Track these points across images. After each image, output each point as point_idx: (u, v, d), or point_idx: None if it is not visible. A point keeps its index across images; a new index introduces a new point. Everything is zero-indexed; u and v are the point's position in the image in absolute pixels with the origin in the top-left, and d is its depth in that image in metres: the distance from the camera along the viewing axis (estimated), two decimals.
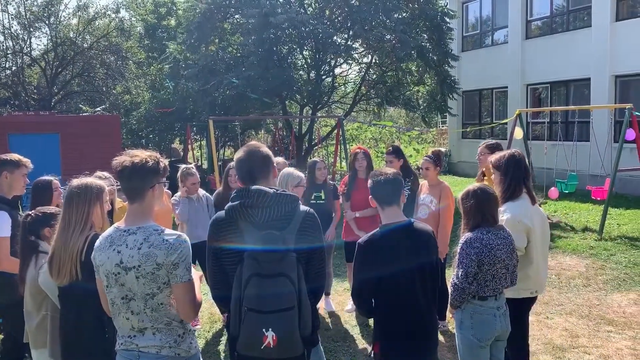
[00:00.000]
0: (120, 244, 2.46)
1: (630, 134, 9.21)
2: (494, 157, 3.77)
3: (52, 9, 24.95)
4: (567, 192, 10.72)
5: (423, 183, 5.49)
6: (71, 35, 25.62)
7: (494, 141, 5.02)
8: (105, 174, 4.58)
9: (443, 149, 20.59)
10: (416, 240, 2.88)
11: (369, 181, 3.07)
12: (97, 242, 2.59)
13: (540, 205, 11.88)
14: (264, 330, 2.30)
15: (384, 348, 2.92)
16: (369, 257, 2.85)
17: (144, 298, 2.45)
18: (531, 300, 3.74)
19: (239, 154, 2.70)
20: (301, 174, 4.63)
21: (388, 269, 2.81)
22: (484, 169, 4.95)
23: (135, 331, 2.52)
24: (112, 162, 2.52)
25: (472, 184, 3.44)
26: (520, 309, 3.51)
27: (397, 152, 5.76)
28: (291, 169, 4.72)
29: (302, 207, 2.58)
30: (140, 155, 2.52)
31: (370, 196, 3.03)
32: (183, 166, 5.83)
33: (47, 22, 25.03)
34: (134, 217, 2.53)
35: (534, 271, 3.58)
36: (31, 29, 25.15)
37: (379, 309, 2.91)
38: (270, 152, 2.73)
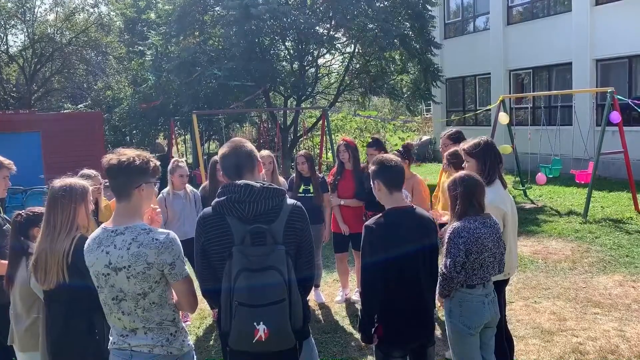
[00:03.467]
0: (109, 244, 2.44)
1: (616, 116, 9.29)
2: (466, 145, 3.77)
3: (27, 4, 24.47)
4: (551, 176, 10.83)
5: None
6: (49, 32, 25.17)
7: (454, 130, 5.00)
8: (92, 171, 4.53)
9: (417, 141, 20.65)
10: (420, 223, 3.03)
11: (373, 167, 3.13)
12: (86, 244, 2.55)
13: (525, 190, 11.93)
14: (255, 324, 2.29)
15: (387, 329, 3.00)
16: (378, 240, 2.93)
17: (135, 298, 2.44)
18: (504, 282, 3.81)
19: (224, 149, 2.69)
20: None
21: (397, 251, 2.92)
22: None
23: (128, 331, 2.51)
24: (102, 160, 2.51)
25: (459, 172, 3.44)
26: (495, 291, 3.53)
27: (377, 144, 5.70)
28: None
29: (289, 200, 2.58)
30: (129, 153, 2.48)
31: (377, 180, 3.09)
32: (174, 158, 5.73)
33: (22, 18, 24.56)
34: (121, 216, 2.50)
35: (507, 254, 3.61)
36: (7, 26, 24.66)
37: (384, 291, 2.97)
38: (254, 148, 2.73)
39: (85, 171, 4.51)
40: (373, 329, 3.03)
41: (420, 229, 3.01)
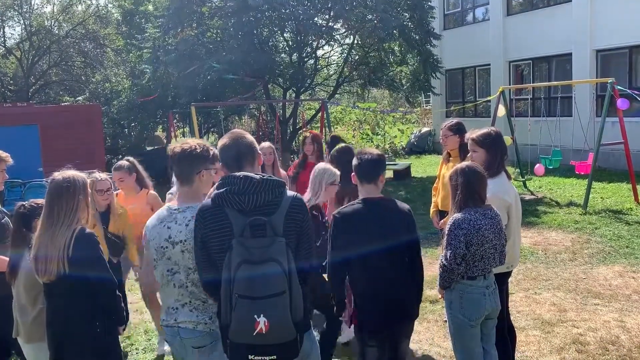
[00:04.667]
0: (170, 220, 2.67)
1: (623, 102, 9.22)
2: (475, 134, 3.74)
3: None
4: (551, 167, 10.81)
5: None
6: (46, 24, 25.02)
7: (455, 121, 4.96)
8: (103, 175, 4.38)
9: (416, 133, 20.54)
10: (392, 215, 3.10)
11: (355, 159, 3.21)
12: (149, 221, 2.75)
13: (525, 181, 11.90)
14: (255, 316, 2.28)
15: (360, 319, 3.12)
16: (344, 228, 3.03)
17: (187, 272, 2.64)
18: (507, 275, 3.79)
19: (224, 140, 2.69)
20: (337, 172, 4.19)
21: (362, 240, 3.01)
22: (449, 150, 4.92)
23: (178, 304, 2.69)
24: (167, 149, 2.82)
25: (461, 163, 3.42)
26: (498, 283, 3.52)
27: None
28: (327, 165, 4.26)
29: (289, 192, 2.56)
30: (190, 143, 2.71)
31: (353, 172, 3.21)
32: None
33: (19, 10, 24.40)
34: (184, 198, 2.74)
35: (510, 246, 3.59)
36: (3, 18, 24.51)
37: (355, 281, 3.09)
38: (254, 139, 2.72)
39: (97, 175, 4.36)
40: (348, 313, 3.19)
41: (391, 221, 3.07)
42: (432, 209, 5.19)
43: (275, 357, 2.42)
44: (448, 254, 3.17)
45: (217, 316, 2.52)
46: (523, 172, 11.77)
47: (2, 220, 3.64)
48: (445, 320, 3.86)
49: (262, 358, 2.40)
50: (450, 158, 4.89)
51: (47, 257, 2.79)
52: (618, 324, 4.84)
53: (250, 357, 2.40)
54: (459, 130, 4.75)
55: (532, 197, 10.81)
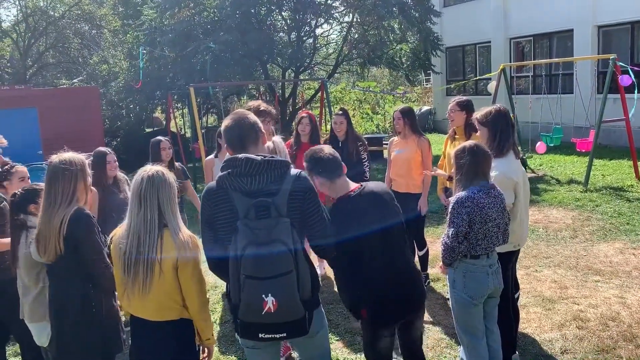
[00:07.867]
0: None
1: (626, 79, 9.16)
2: (479, 114, 3.73)
3: None
4: (552, 145, 10.78)
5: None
6: (41, 5, 24.73)
7: (464, 98, 4.92)
8: (107, 149, 4.57)
9: (416, 111, 20.44)
10: (378, 202, 2.90)
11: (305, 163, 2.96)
12: None
13: (525, 159, 11.86)
14: (263, 296, 2.32)
15: (371, 313, 2.88)
16: (339, 228, 2.76)
17: None
18: (514, 253, 3.80)
19: (227, 122, 2.67)
20: None
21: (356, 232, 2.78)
22: (455, 127, 4.90)
23: None
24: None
25: (469, 141, 3.41)
26: (504, 262, 3.53)
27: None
28: None
29: (293, 171, 2.55)
30: None
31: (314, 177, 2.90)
32: None
33: None
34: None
35: (517, 225, 3.60)
36: None
37: (363, 273, 2.85)
38: (257, 119, 2.69)
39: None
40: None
41: (379, 208, 2.88)
42: (439, 186, 5.21)
43: (285, 334, 2.47)
44: (450, 232, 3.18)
45: (227, 297, 2.55)
46: (524, 150, 11.75)
47: (1, 205, 3.65)
48: (448, 298, 3.88)
49: (273, 336, 2.45)
50: (456, 136, 4.87)
51: (47, 238, 2.82)
52: (618, 300, 4.87)
53: (260, 335, 2.44)
54: (466, 107, 4.72)
55: (533, 175, 10.81)
